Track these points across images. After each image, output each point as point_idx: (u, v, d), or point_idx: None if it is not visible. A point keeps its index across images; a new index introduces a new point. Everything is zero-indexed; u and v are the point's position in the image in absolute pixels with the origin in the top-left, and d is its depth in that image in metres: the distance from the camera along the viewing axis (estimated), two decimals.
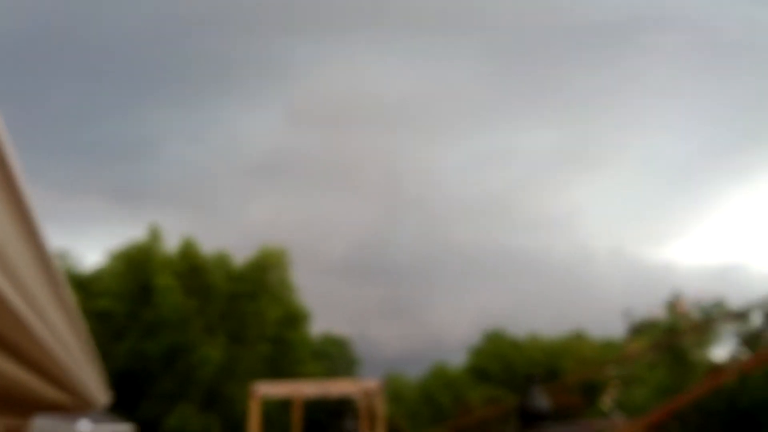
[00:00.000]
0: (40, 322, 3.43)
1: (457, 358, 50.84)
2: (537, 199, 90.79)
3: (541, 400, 13.05)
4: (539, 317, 65.24)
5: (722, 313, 20.49)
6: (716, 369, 17.50)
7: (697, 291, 25.05)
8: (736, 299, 22.96)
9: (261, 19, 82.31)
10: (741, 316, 18.39)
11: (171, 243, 35.47)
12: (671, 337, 22.21)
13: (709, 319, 20.80)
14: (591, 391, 32.02)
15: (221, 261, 34.92)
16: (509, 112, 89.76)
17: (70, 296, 4.09)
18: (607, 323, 51.23)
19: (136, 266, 33.73)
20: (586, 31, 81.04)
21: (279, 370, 33.15)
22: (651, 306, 26.16)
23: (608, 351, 44.14)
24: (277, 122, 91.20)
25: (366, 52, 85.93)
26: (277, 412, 27.86)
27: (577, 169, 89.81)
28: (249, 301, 33.94)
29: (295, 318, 35.94)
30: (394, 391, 40.51)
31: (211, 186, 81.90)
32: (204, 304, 33.05)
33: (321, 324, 43.69)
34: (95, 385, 7.19)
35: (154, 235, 35.10)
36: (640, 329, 45.37)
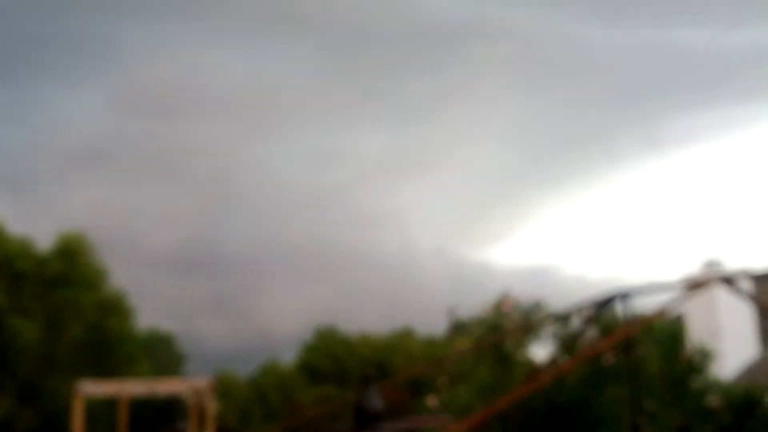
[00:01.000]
0: None
1: (286, 355, 50.89)
2: (366, 197, 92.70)
3: (376, 400, 13.45)
4: (367, 314, 66.62)
5: (543, 314, 21.71)
6: (536, 370, 18.55)
7: (515, 291, 26.37)
8: (550, 300, 24.49)
9: None
10: (562, 319, 19.58)
11: None
12: (494, 336, 23.24)
13: (532, 320, 21.99)
14: (416, 387, 33.02)
15: (24, 247, 33.37)
16: (341, 111, 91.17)
17: None
18: (431, 320, 52.97)
19: None
20: (417, 37, 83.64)
21: (102, 363, 32.10)
22: (476, 305, 27.22)
23: (432, 348, 45.69)
24: (101, 107, 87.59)
25: (200, 41, 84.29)
26: (102, 411, 26.94)
27: (405, 170, 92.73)
28: (60, 288, 32.73)
29: (111, 303, 35.00)
30: (224, 388, 40.01)
31: (30, 170, 77.52)
32: (14, 290, 31.60)
33: (146, 319, 42.46)
34: None
35: None
36: (461, 328, 47.17)
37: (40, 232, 34.96)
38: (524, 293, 25.10)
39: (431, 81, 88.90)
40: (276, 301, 71.74)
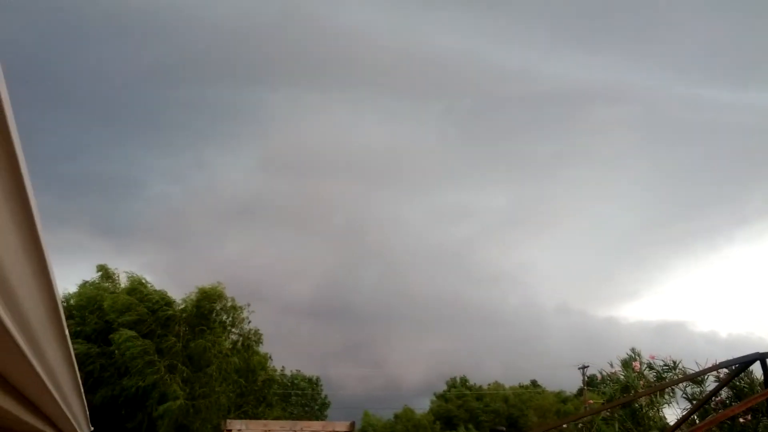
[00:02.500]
0: (38, 360, 3.75)
1: (415, 403, 51.21)
2: (490, 254, 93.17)
3: None
4: (493, 367, 66.47)
5: (678, 375, 21.12)
6: (668, 430, 18.05)
7: (644, 346, 25.72)
8: (678, 355, 23.74)
9: (242, 70, 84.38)
10: (697, 381, 19.02)
11: (155, 279, 35.88)
12: (627, 396, 22.77)
13: (665, 381, 21.43)
14: None
15: (166, 303, 35.19)
16: (466, 172, 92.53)
17: (67, 334, 4.50)
18: (556, 375, 52.10)
19: (93, 309, 34.02)
20: (540, 100, 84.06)
21: (245, 404, 33.53)
22: (604, 361, 26.73)
23: (562, 403, 44.78)
24: (251, 168, 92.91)
25: (338, 110, 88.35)
26: None
27: (527, 229, 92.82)
28: (199, 335, 34.28)
29: (247, 344, 36.49)
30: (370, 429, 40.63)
31: (187, 225, 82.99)
32: (160, 344, 33.42)
33: (287, 363, 43.97)
34: (81, 420, 7.61)
35: (106, 276, 35.73)
36: (594, 384, 45.94)
37: (192, 281, 37.12)
38: (653, 348, 24.56)
39: (555, 143, 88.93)
40: (404, 352, 72.69)
